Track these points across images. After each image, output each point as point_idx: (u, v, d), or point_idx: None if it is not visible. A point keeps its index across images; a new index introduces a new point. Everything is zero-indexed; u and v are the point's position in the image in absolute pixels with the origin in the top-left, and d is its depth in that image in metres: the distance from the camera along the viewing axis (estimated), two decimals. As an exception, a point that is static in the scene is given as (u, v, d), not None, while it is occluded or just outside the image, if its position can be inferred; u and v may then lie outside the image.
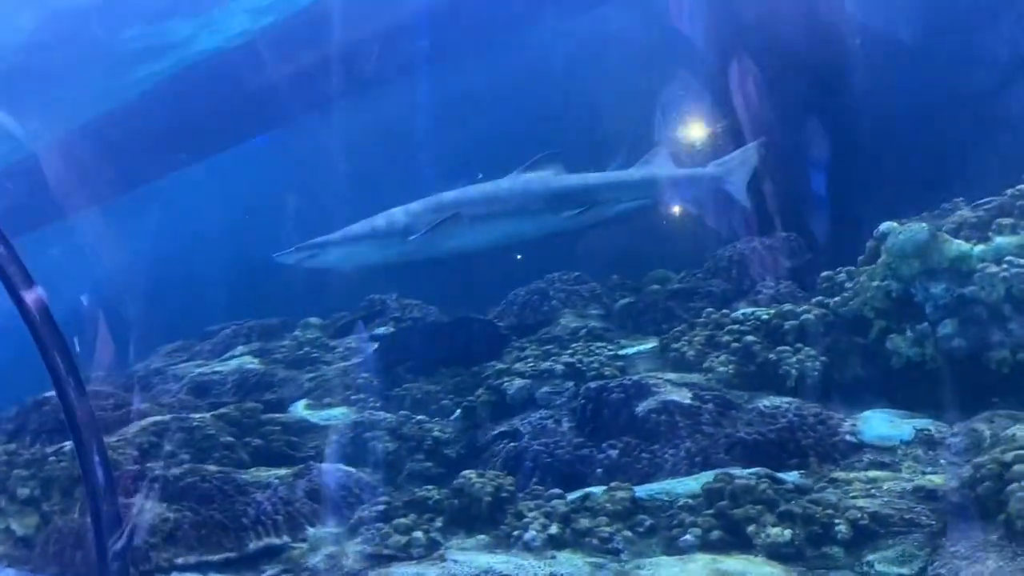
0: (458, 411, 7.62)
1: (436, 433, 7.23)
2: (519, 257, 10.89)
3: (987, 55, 9.63)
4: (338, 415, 7.95)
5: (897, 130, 9.54)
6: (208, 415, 7.29)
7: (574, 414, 6.79)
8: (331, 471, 6.63)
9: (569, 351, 7.96)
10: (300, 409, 8.15)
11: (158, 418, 7.14)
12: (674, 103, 11.26)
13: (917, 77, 9.67)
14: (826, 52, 10.06)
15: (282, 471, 6.68)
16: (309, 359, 9.31)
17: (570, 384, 7.13)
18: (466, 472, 5.86)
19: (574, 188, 9.53)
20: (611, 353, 7.65)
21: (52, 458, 6.83)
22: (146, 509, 6.07)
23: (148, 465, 6.55)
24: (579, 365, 7.33)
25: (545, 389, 7.14)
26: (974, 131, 9.19)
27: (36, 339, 4.53)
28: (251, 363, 9.07)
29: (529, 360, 8.03)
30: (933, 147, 9.36)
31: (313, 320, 10.33)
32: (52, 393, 7.88)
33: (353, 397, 8.27)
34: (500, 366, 8.16)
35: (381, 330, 10.13)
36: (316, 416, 7.87)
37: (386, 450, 7.12)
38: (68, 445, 6.87)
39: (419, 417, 7.58)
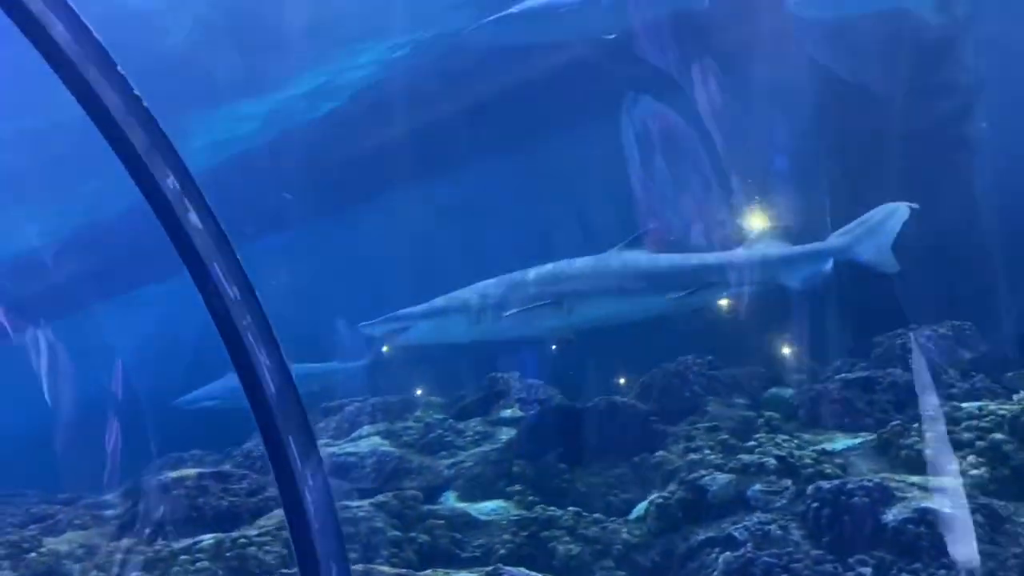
0: (639, 509, 6.70)
1: (624, 536, 6.29)
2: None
3: None
4: (497, 508, 7.05)
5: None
6: (367, 503, 6.37)
7: (804, 520, 5.86)
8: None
9: (754, 443, 7.08)
10: (452, 500, 7.24)
11: (309, 506, 6.23)
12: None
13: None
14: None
15: (463, 574, 5.75)
16: (442, 443, 8.42)
17: (788, 482, 6.21)
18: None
19: (681, 268, 8.77)
20: (819, 448, 6.75)
21: (183, 557, 5.88)
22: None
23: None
24: (791, 459, 6.43)
25: (758, 487, 6.22)
26: None
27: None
28: (384, 445, 8.18)
29: (706, 451, 7.16)
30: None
31: (435, 399, 9.48)
32: (177, 473, 7.05)
33: (507, 489, 7.36)
34: (669, 457, 7.29)
35: (507, 413, 9.26)
36: (474, 509, 6.95)
37: (569, 553, 6.18)
38: (206, 539, 5.96)
39: (595, 515, 6.65)
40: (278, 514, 6.10)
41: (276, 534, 5.78)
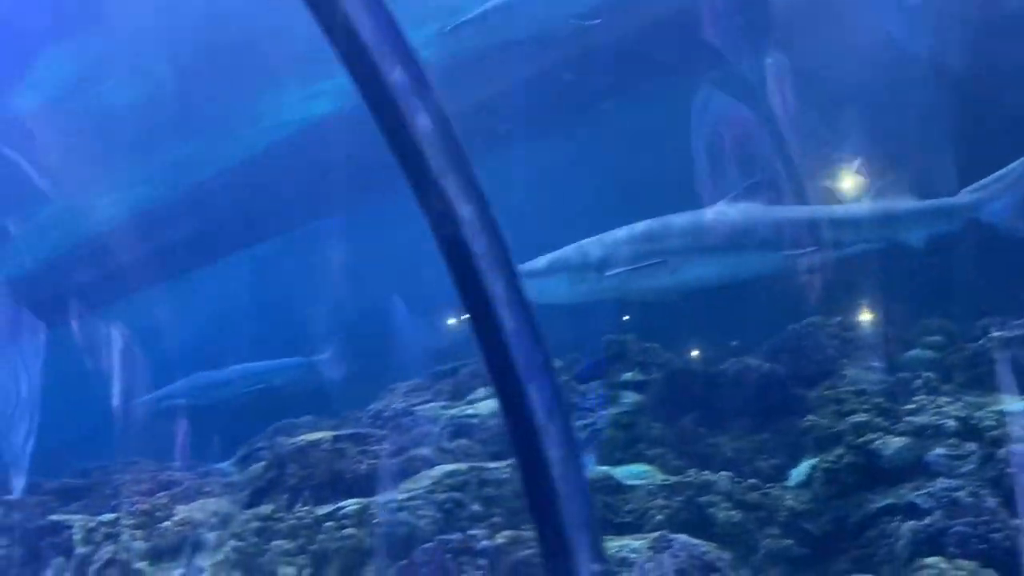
0: (798, 475, 6.23)
1: (789, 502, 5.83)
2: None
3: None
4: (641, 472, 6.64)
5: None
6: (504, 465, 6.02)
7: (997, 486, 5.32)
8: (689, 545, 5.28)
9: (915, 405, 6.53)
10: (592, 464, 6.85)
11: (450, 468, 5.90)
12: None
13: None
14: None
15: (627, 541, 5.36)
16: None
17: (972, 446, 5.67)
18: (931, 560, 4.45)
19: (797, 223, 8.14)
20: (995, 410, 6.17)
21: (328, 524, 5.58)
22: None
23: (458, 530, 5.29)
24: (971, 422, 5.87)
25: (939, 451, 5.69)
26: None
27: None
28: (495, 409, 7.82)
29: (861, 415, 6.63)
30: None
31: (554, 362, 9.08)
32: (312, 436, 6.80)
33: (648, 452, 6.95)
34: (820, 421, 6.79)
35: (628, 376, 8.81)
36: (618, 473, 6.55)
37: (730, 520, 5.75)
38: (349, 504, 5.67)
39: (751, 481, 6.20)
40: (427, 475, 5.79)
41: (427, 497, 5.46)
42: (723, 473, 6.34)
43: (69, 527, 6.34)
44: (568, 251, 8.48)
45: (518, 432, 2.31)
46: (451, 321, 12.16)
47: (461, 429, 7.34)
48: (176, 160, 14.99)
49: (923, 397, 6.93)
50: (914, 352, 8.37)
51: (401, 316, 13.34)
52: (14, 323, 10.89)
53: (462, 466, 5.92)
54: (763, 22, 10.41)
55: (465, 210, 2.27)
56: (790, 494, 6.02)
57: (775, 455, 6.91)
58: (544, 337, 2.38)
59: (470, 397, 8.26)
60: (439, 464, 6.01)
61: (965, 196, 8.38)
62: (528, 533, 5.28)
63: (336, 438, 6.32)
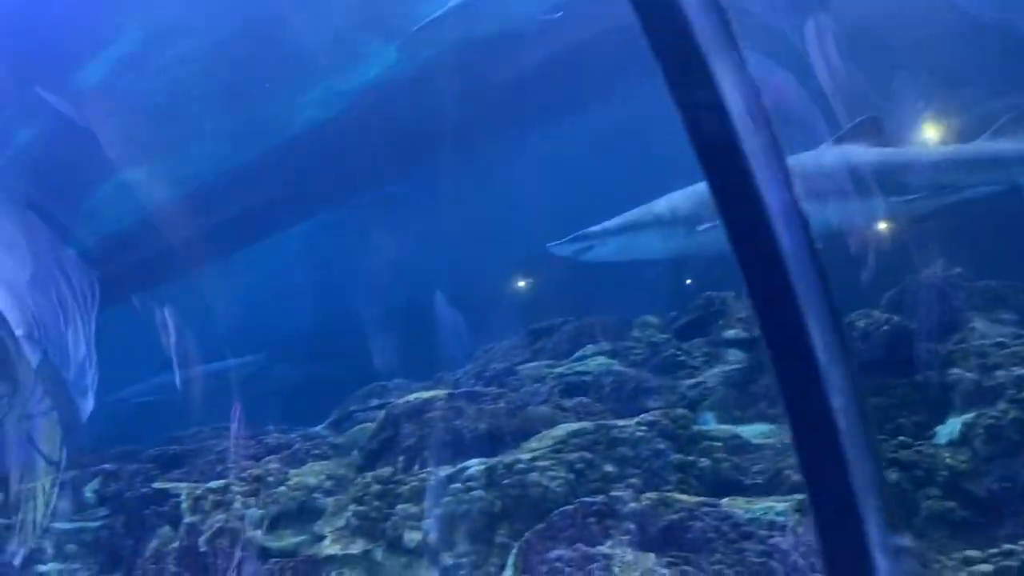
0: (948, 432, 5.72)
1: (948, 461, 5.33)
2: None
3: None
4: (766, 431, 6.19)
5: None
6: (633, 423, 5.60)
7: None
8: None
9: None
10: (712, 423, 6.42)
11: (574, 426, 5.50)
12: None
13: None
14: None
15: (770, 503, 4.92)
16: (676, 362, 7.59)
17: None
18: None
19: (914, 164, 7.50)
20: None
21: (455, 486, 5.23)
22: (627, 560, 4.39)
23: (592, 492, 4.89)
24: None
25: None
26: None
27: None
28: (615, 364, 7.41)
29: (1002, 369, 6.09)
30: None
31: (651, 319, 8.65)
32: (426, 394, 6.45)
33: (769, 411, 6.49)
34: (966, 375, 6.25)
35: (731, 333, 8.33)
36: (744, 432, 6.11)
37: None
38: (472, 465, 5.30)
39: (901, 438, 5.71)
40: (549, 435, 5.41)
41: (555, 457, 5.08)
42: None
43: (175, 495, 6.10)
44: (658, 205, 8.02)
45: (793, 375, 1.77)
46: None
47: (574, 387, 6.95)
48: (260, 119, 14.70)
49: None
50: (1045, 303, 7.80)
51: (443, 311, 13.11)
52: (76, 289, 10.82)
53: (587, 424, 5.52)
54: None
55: (735, 99, 1.76)
56: (946, 452, 5.52)
57: (916, 411, 6.40)
58: (825, 262, 1.83)
59: (577, 355, 7.86)
60: (561, 423, 5.62)
61: None
62: (675, 495, 4.88)
63: (451, 395, 5.96)
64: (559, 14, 10.57)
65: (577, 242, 8.07)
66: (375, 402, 8.82)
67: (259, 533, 5.18)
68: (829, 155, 7.78)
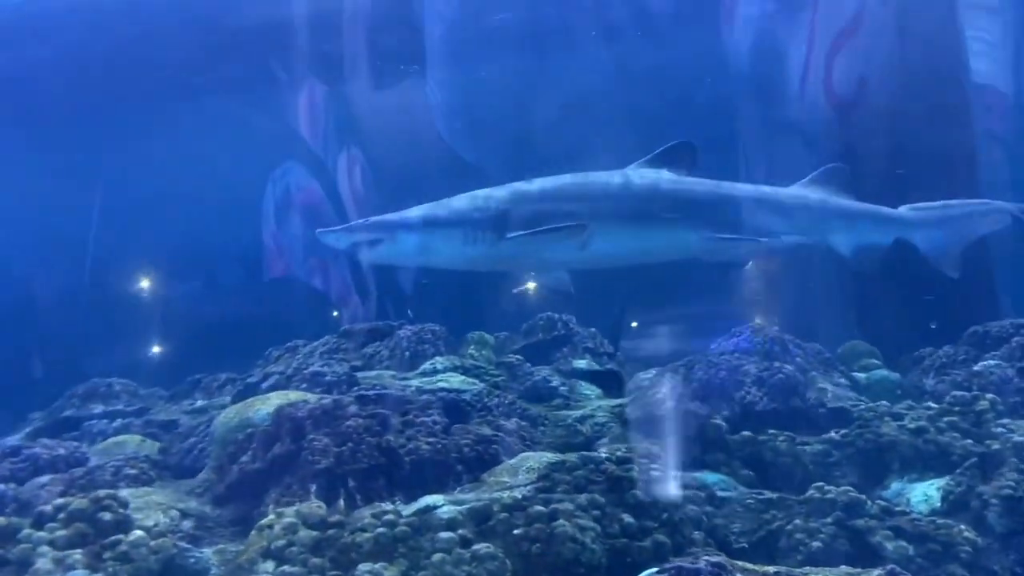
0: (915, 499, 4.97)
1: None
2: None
3: None
4: (718, 482, 5.01)
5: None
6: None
7: None
8: None
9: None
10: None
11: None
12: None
13: None
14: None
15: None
16: (548, 390, 6.16)
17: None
18: None
19: (720, 200, 7.27)
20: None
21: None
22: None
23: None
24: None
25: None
26: None
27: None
28: (475, 385, 5.77)
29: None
30: None
31: (485, 336, 7.16)
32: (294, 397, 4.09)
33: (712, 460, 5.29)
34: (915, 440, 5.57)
35: (582, 364, 7.10)
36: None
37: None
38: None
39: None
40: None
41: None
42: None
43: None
44: (461, 201, 6.69)
45: None
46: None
47: (452, 407, 5.15)
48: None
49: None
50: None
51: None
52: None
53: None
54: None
55: None
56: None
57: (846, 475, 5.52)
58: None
59: (426, 367, 6.07)
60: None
61: (906, 211, 7.91)
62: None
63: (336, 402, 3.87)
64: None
65: (357, 232, 6.45)
66: (100, 408, 6.31)
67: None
68: (641, 178, 7.09)
